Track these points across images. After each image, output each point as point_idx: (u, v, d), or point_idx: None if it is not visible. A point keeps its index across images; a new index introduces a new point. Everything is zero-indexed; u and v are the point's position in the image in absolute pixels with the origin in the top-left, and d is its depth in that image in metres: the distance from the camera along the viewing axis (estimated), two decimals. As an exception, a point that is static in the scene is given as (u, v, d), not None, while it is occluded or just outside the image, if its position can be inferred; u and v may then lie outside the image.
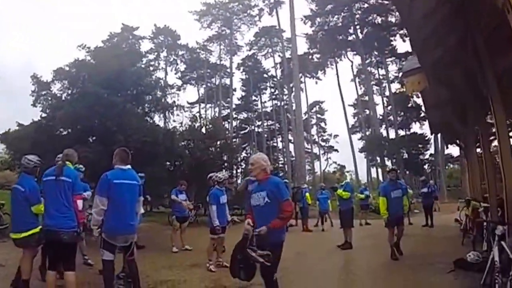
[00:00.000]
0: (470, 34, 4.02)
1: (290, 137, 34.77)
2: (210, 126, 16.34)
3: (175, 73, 36.76)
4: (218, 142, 15.05)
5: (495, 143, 5.21)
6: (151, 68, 13.33)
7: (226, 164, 15.11)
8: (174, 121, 13.46)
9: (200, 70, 36.33)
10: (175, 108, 11.56)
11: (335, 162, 38.23)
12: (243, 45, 36.76)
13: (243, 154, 28.60)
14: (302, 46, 37.70)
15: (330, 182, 19.07)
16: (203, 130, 15.44)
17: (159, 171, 9.15)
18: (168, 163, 11.75)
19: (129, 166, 3.00)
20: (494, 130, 4.37)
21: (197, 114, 24.84)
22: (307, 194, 11.16)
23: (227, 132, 23.84)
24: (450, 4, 3.71)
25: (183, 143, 13.09)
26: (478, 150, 7.41)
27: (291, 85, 32.53)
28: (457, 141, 10.40)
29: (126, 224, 2.88)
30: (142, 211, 3.85)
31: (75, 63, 9.84)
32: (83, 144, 8.01)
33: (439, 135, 26.89)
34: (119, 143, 7.04)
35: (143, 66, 12.58)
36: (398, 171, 9.46)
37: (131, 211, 2.98)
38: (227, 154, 15.41)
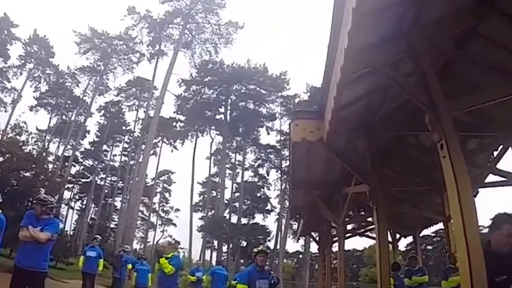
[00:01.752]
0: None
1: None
2: (37, 148, 19.15)
3: (34, 91, 45.67)
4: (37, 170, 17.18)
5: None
6: None
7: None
8: None
9: (60, 98, 45.13)
10: None
11: (171, 236, 48.31)
12: (112, 88, 47.20)
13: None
14: (169, 109, 48.72)
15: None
16: (27, 148, 17.73)
17: None
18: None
19: None
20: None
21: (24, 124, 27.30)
22: (129, 265, 12.27)
23: (54, 165, 29.42)
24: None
25: None
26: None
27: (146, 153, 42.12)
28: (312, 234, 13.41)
29: None
30: None
31: None
32: None
33: (282, 227, 39.10)
34: None
35: None
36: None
37: None
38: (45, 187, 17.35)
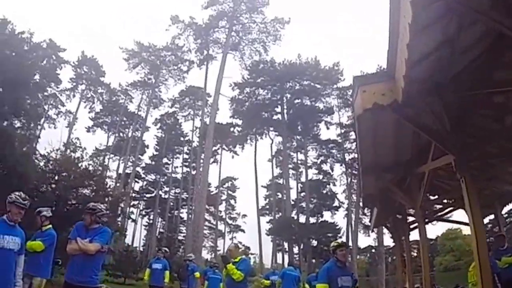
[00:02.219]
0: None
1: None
2: (94, 164, 19.87)
3: (89, 112, 48.78)
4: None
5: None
6: None
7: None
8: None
9: (116, 116, 47.36)
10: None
11: (240, 243, 49.76)
12: (166, 100, 49.91)
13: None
14: (225, 115, 49.66)
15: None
16: (82, 164, 18.63)
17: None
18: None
19: None
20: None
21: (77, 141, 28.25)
22: (197, 273, 12.36)
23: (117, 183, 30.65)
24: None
25: (49, 174, 16.08)
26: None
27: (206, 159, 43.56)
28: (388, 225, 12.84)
29: None
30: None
31: None
32: None
33: (352, 223, 39.31)
34: None
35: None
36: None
37: None
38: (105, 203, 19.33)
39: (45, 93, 43.01)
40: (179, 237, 46.05)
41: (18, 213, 4.50)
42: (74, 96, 46.85)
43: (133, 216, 48.61)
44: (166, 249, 13.31)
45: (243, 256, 6.91)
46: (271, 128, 47.39)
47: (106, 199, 19.00)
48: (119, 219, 27.83)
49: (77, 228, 4.84)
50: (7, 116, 16.91)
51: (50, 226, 6.22)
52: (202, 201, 33.56)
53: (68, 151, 21.36)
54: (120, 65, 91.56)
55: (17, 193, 4.55)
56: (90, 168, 19.91)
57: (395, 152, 7.19)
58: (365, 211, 42.91)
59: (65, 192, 16.73)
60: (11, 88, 16.89)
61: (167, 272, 11.58)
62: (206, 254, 46.01)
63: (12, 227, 4.50)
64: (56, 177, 17.54)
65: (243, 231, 53.76)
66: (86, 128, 48.34)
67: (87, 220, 4.83)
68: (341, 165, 45.41)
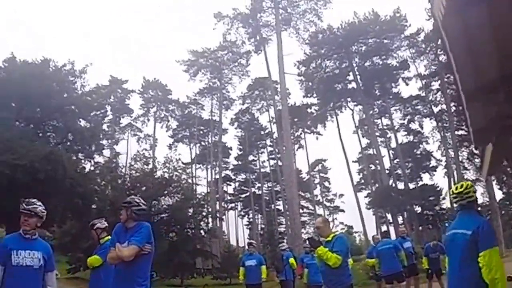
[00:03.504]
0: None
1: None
2: (172, 171, 22.92)
3: (166, 130, 58.84)
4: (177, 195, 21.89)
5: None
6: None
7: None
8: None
9: (193, 127, 55.20)
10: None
11: (342, 223, 55.11)
12: (236, 98, 58.25)
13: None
14: (298, 96, 53.71)
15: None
16: (157, 173, 22.26)
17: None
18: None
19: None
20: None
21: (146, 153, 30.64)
22: (291, 259, 12.39)
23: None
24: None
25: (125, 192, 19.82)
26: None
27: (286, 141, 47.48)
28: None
29: None
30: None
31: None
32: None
33: (454, 181, 41.09)
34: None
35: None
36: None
37: None
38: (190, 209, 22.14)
39: (121, 125, 51.47)
40: (280, 229, 54.10)
41: (24, 221, 4.38)
42: (148, 120, 57.54)
43: (232, 218, 55.88)
44: (254, 242, 13.88)
45: (337, 232, 6.21)
46: (349, 99, 52.31)
47: (192, 202, 22.50)
48: (209, 221, 32.74)
49: (115, 232, 4.73)
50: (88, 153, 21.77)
51: (109, 237, 6.13)
52: (292, 186, 34.80)
53: (141, 163, 23.92)
54: (182, 78, 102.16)
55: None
56: (166, 175, 22.58)
57: (501, 61, 5.46)
58: (467, 165, 45.14)
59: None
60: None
61: (264, 267, 11.78)
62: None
63: (28, 240, 4.36)
64: (132, 191, 20.39)
65: (342, 211, 61.07)
66: (167, 146, 57.25)
67: (123, 217, 4.68)
68: (430, 120, 49.07)
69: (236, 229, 61.74)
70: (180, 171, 23.45)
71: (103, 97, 51.35)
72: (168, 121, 57.79)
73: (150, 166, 22.80)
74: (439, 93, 47.19)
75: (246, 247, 19.50)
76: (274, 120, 54.17)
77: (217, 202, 50.19)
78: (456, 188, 4.34)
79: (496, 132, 7.48)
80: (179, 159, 29.16)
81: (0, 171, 13.89)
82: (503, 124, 7.12)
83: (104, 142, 48.15)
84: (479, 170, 16.82)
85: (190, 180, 30.76)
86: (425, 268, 12.02)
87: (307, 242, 6.90)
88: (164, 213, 21.24)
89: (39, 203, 4.40)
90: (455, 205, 4.46)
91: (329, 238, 5.70)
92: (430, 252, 12.11)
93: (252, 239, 15.29)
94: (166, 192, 21.18)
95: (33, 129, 18.34)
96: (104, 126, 51.71)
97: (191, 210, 22.53)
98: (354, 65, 49.76)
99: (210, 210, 32.50)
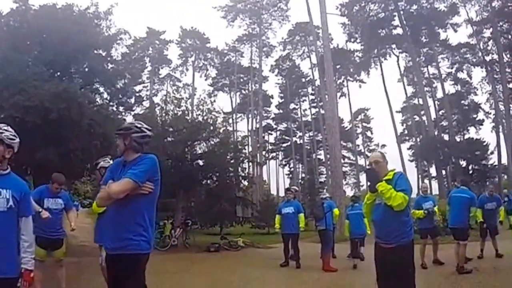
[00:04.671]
0: None
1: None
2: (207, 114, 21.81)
3: (205, 79, 61.18)
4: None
5: None
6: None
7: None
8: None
9: (232, 75, 59.34)
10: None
11: None
12: (276, 45, 58.91)
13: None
14: (341, 41, 55.88)
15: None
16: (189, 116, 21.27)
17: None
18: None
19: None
20: None
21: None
22: (336, 209, 12.52)
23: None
24: None
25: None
26: None
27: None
28: None
29: None
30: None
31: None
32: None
33: (503, 136, 43.27)
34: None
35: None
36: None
37: None
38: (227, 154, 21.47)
39: (160, 76, 56.42)
40: (321, 180, 56.57)
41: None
42: (187, 70, 59.79)
43: (273, 167, 59.88)
44: (295, 187, 14.01)
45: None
46: (393, 46, 52.53)
47: (230, 147, 22.18)
48: (249, 166, 34.94)
49: (111, 169, 4.02)
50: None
51: None
52: (334, 130, 34.75)
53: (170, 106, 23.26)
54: (220, 25, 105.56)
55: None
56: (200, 119, 21.67)
57: None
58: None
59: (174, 148, 19.25)
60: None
61: (302, 216, 11.80)
62: (350, 192, 55.19)
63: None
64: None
65: (384, 161, 61.71)
66: (207, 95, 59.99)
67: (120, 146, 3.88)
68: (481, 69, 48.63)
69: (277, 179, 64.83)
70: (215, 113, 22.29)
71: (142, 49, 54.56)
72: (207, 69, 59.97)
73: (183, 108, 22.25)
74: (491, 41, 46.86)
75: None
76: (316, 67, 54.25)
77: (258, 151, 51.94)
78: None
79: None
80: (214, 100, 27.47)
81: (10, 115, 13.60)
82: None
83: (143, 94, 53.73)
84: None
85: (229, 126, 31.98)
86: (479, 222, 11.18)
87: (365, 174, 5.70)
88: (200, 159, 20.89)
89: (7, 127, 3.55)
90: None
91: (389, 176, 4.76)
92: (486, 202, 11.38)
93: (291, 188, 13.72)
94: (201, 136, 20.67)
95: (51, 72, 17.46)
96: (144, 78, 56.73)
97: (229, 156, 22.05)
98: (400, 9, 49.25)
99: (249, 155, 31.80)
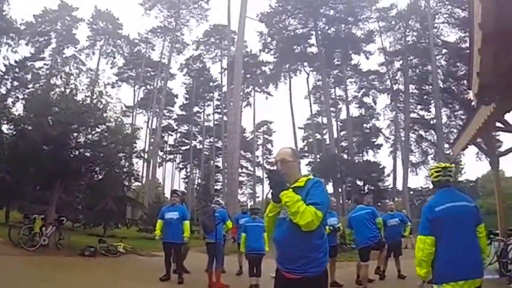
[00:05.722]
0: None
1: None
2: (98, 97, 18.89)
3: (111, 67, 57.30)
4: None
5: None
6: None
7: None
8: None
9: (140, 67, 56.51)
10: None
11: None
12: (190, 43, 57.30)
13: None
14: (254, 50, 55.56)
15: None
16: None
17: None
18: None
19: None
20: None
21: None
22: (228, 221, 10.80)
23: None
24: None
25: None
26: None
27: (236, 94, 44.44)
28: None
29: None
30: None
31: None
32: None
33: (399, 161, 45.80)
34: None
35: None
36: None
37: None
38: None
39: (64, 55, 52.07)
40: (216, 187, 55.09)
41: None
42: (94, 53, 55.75)
43: (169, 170, 57.90)
44: (184, 190, 14.47)
45: (311, 176, 3.71)
46: (305, 63, 53.52)
47: (119, 137, 18.68)
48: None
49: None
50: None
51: None
52: (235, 137, 34.61)
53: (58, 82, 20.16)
54: (136, 13, 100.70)
55: None
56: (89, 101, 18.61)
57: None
58: (413, 147, 49.26)
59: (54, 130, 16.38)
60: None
61: (187, 223, 10.36)
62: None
63: None
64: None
65: (282, 176, 62.30)
66: (110, 84, 55.92)
67: None
68: (388, 95, 51.28)
69: (172, 182, 62.50)
70: (107, 98, 18.65)
71: (50, 22, 50.32)
72: (115, 57, 56.47)
73: (72, 86, 18.49)
74: (399, 72, 49.86)
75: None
76: (225, 73, 53.95)
77: (153, 151, 49.33)
78: (442, 164, 4.81)
79: (502, 89, 7.68)
80: (108, 83, 25.08)
81: None
82: (509, 82, 7.27)
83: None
84: (452, 144, 16.32)
85: (125, 119, 29.28)
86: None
87: (267, 176, 3.80)
88: (84, 147, 17.94)
89: None
90: (434, 180, 4.72)
91: (300, 183, 3.49)
92: (388, 219, 11.18)
93: (177, 191, 12.19)
94: (87, 121, 17.44)
95: None
96: (46, 54, 50.81)
97: (117, 149, 18.88)
98: (319, 28, 50.67)
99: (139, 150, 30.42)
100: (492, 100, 8.18)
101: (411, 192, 49.64)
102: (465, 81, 46.26)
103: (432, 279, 4.52)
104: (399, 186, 46.93)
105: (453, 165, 4.95)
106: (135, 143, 20.86)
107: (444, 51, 47.84)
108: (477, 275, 4.27)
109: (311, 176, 3.66)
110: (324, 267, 3.57)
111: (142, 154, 23.76)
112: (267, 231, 4.11)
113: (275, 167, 3.60)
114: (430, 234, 4.39)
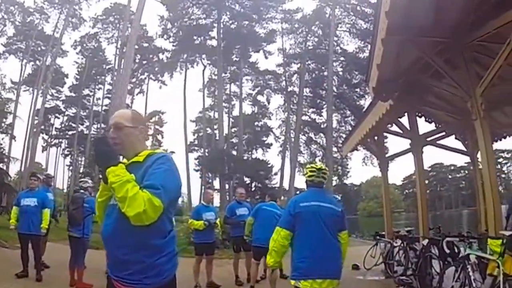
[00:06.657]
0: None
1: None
2: None
3: (0, 36, 52.17)
4: None
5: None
6: None
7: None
8: None
9: (31, 40, 52.12)
10: None
11: None
12: (87, 19, 53.65)
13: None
14: (152, 34, 53.37)
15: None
16: None
17: None
18: None
19: None
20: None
21: None
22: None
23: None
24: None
25: None
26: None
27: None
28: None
29: None
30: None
31: None
32: None
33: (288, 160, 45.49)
34: None
35: None
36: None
37: None
38: None
39: None
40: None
41: None
42: None
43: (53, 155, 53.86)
44: (50, 173, 11.49)
45: (159, 150, 2.73)
46: (204, 56, 52.44)
47: None
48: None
49: None
50: None
51: None
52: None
53: None
54: None
55: None
56: None
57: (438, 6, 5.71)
58: (302, 149, 49.61)
59: None
60: None
61: (46, 212, 8.73)
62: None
63: None
64: None
65: (169, 167, 60.56)
66: None
67: None
68: (282, 96, 51.66)
69: (56, 169, 58.56)
70: None
71: None
72: (5, 25, 51.51)
73: None
74: (296, 75, 50.76)
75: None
76: (120, 55, 50.63)
77: (31, 130, 46.33)
78: (318, 165, 4.82)
79: (400, 87, 7.95)
80: None
81: None
82: (408, 80, 7.77)
83: None
84: (341, 147, 18.11)
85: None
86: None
87: (94, 147, 2.50)
88: None
89: None
90: (308, 179, 4.73)
91: (139, 158, 2.55)
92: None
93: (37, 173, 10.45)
94: None
95: None
96: None
97: None
98: (221, 21, 49.60)
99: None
100: (389, 97, 8.17)
101: (298, 192, 48.58)
102: (358, 89, 47.96)
103: (290, 275, 4.62)
104: (286, 185, 47.75)
105: (327, 168, 5.10)
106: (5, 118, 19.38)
107: (342, 58, 49.57)
108: (334, 275, 4.38)
109: (158, 150, 2.69)
110: (169, 277, 2.49)
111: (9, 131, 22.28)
112: (99, 221, 2.93)
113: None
114: (287, 228, 4.49)
